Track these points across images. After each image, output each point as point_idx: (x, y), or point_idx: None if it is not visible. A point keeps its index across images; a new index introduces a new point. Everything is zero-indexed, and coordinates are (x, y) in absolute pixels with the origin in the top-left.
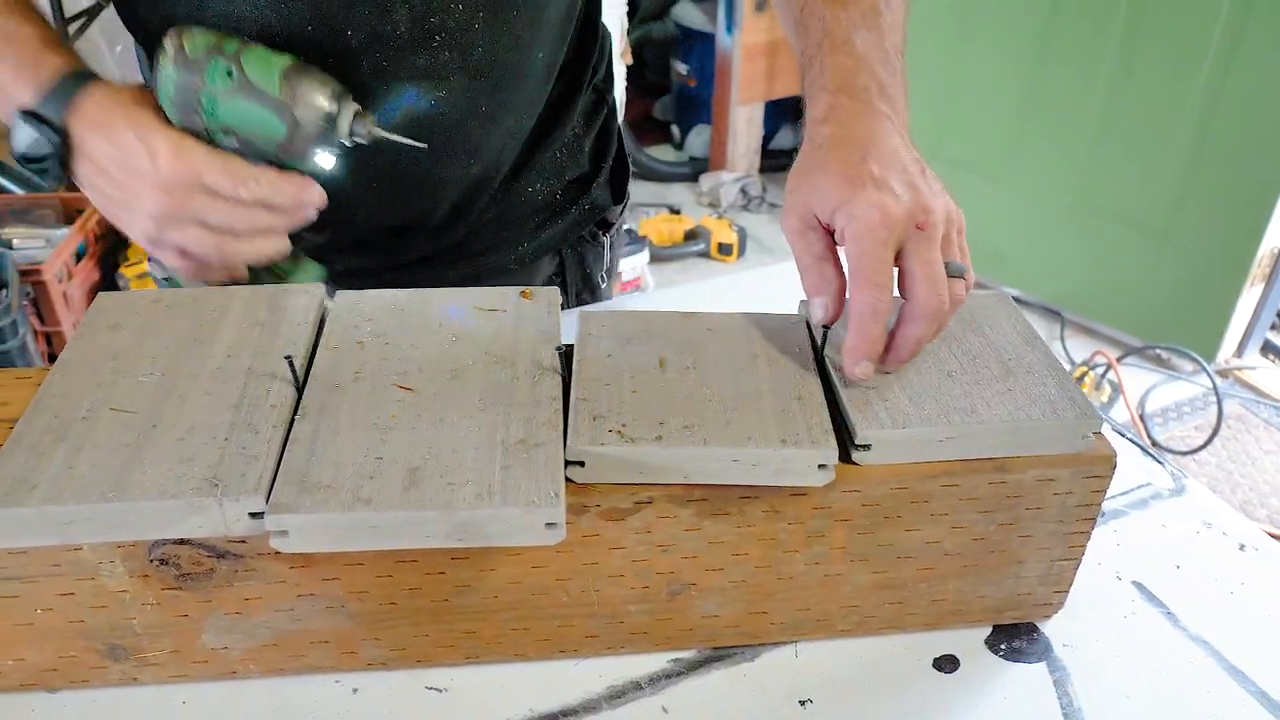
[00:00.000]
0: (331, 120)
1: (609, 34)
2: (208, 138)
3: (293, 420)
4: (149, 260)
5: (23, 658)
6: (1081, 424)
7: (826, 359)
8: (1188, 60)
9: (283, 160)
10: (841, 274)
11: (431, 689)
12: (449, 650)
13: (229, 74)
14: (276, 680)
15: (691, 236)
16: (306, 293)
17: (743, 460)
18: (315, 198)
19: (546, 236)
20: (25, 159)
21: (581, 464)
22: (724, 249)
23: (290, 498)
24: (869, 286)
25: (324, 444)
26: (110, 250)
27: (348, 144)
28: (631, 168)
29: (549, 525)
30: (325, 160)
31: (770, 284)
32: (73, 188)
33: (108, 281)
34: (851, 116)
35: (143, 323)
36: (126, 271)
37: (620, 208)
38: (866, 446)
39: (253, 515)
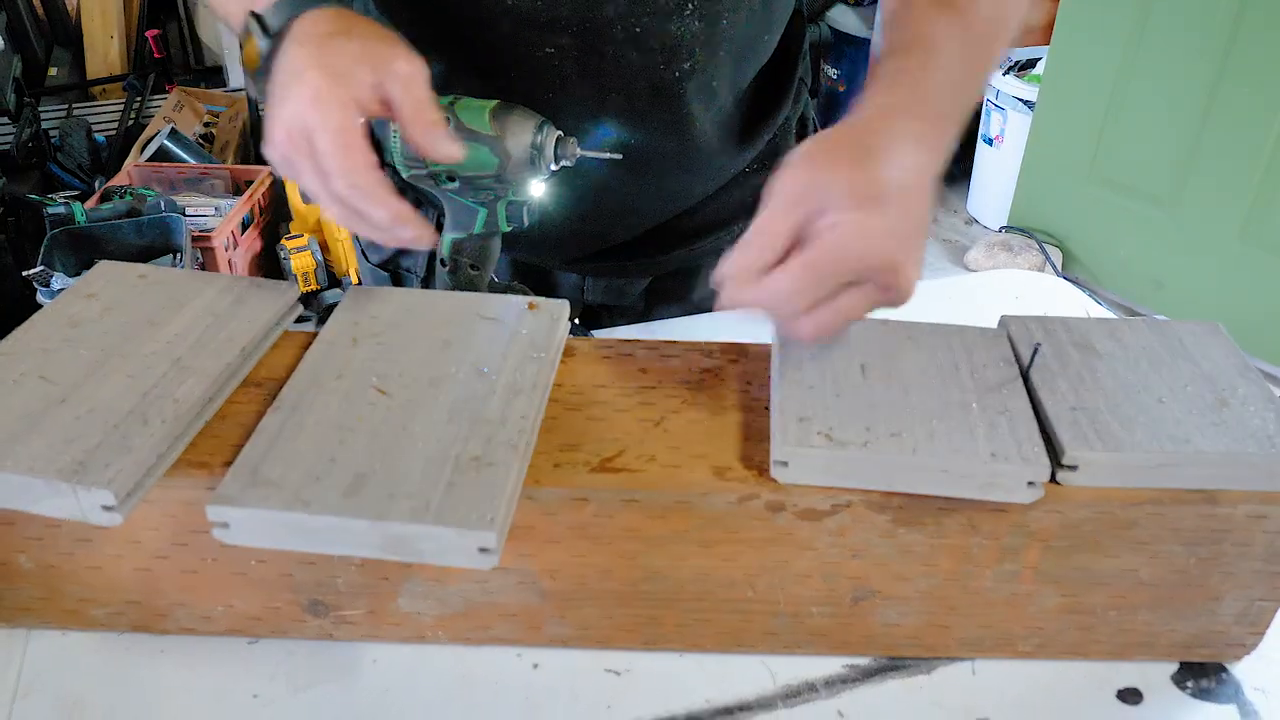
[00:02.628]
0: (538, 148)
1: (809, 26)
2: (432, 182)
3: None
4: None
5: (232, 604)
6: None
7: (1031, 378)
8: None
9: (498, 194)
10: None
11: (610, 671)
12: (630, 634)
13: (446, 121)
14: (462, 648)
15: None
16: (281, 290)
17: (951, 471)
18: (419, 245)
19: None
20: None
21: (786, 464)
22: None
23: (235, 490)
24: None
25: (286, 440)
26: (273, 222)
27: (555, 168)
28: None
29: (482, 550)
30: (537, 188)
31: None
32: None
33: (269, 251)
34: (909, 122)
35: (117, 296)
36: (288, 244)
37: None
38: (1074, 467)
39: (105, 508)
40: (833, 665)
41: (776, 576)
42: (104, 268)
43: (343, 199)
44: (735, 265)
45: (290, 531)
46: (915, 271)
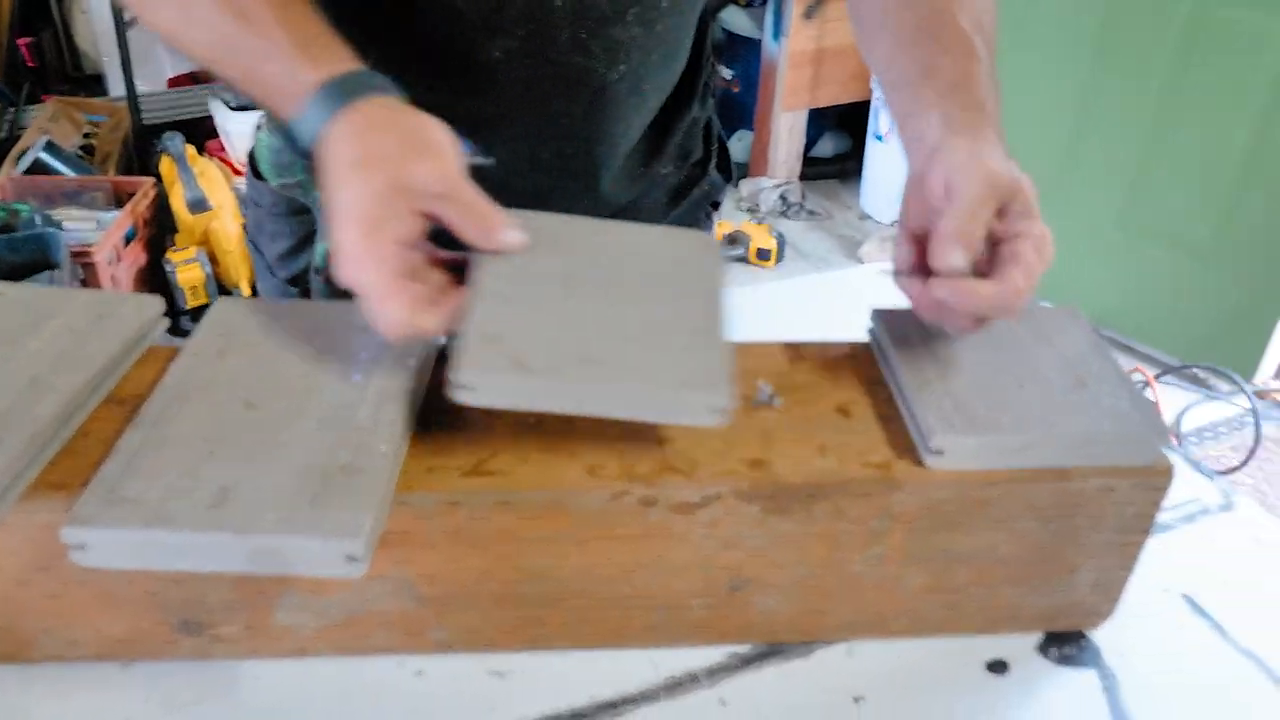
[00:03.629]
0: None
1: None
2: (301, 191)
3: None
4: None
5: (100, 628)
6: (1153, 437)
7: (900, 368)
8: (1239, 82)
9: None
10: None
11: (494, 673)
12: (513, 636)
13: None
14: (343, 660)
15: (730, 241)
16: (145, 305)
17: (637, 398)
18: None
19: (673, 217)
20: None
21: (472, 389)
22: (762, 254)
23: (91, 510)
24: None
25: (146, 456)
26: (158, 235)
27: None
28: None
29: (349, 559)
30: None
31: (809, 293)
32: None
33: (154, 266)
34: (1000, 143)
35: None
36: (174, 257)
37: (727, 187)
38: (941, 452)
39: None
40: (715, 655)
41: (654, 571)
42: None
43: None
44: (960, 254)
45: (152, 550)
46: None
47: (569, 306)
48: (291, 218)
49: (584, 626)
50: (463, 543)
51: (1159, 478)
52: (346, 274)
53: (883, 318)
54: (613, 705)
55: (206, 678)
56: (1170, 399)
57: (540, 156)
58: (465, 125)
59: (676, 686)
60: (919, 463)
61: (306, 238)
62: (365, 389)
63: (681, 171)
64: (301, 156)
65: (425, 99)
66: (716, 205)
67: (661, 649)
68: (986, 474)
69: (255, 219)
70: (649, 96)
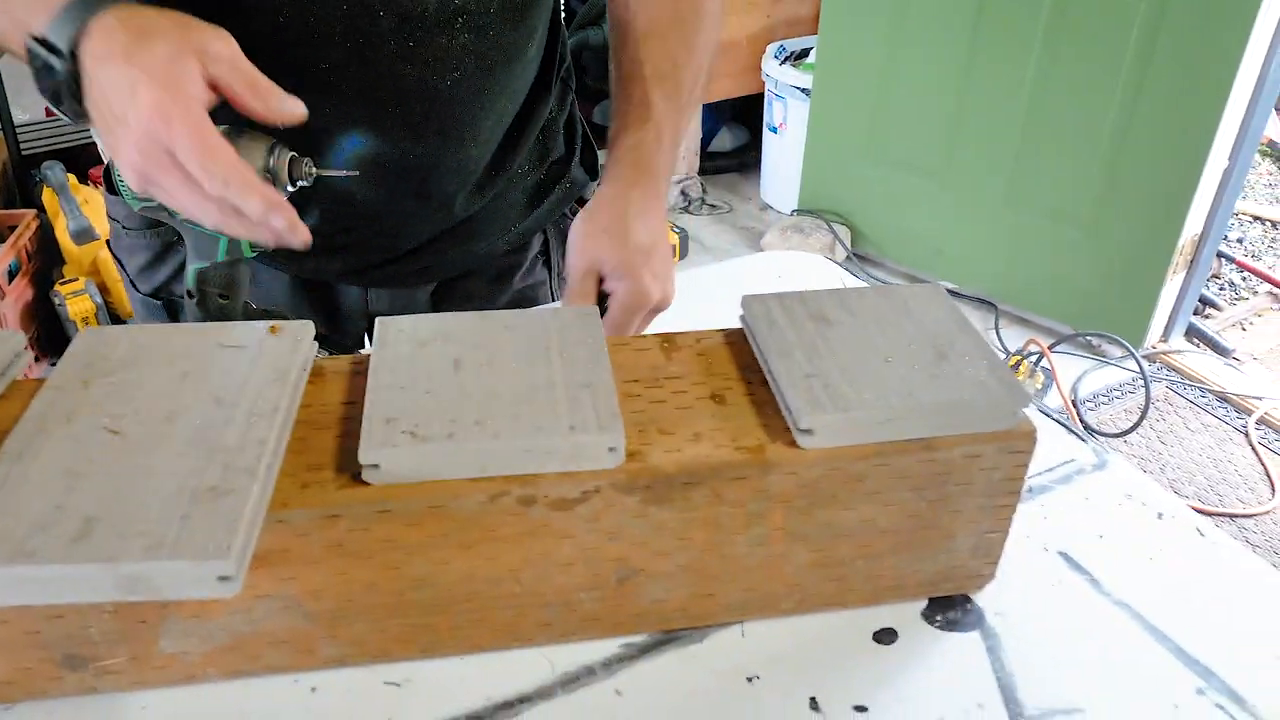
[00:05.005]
0: (273, 171)
1: (565, 30)
2: (165, 213)
3: None
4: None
5: None
6: (1011, 401)
7: (768, 353)
8: (1108, 59)
9: None
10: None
11: (390, 684)
12: (406, 645)
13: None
14: (235, 683)
15: None
16: (6, 339)
17: (535, 449)
18: (292, 236)
19: (535, 217)
20: (53, 99)
21: (376, 466)
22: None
23: None
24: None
25: (9, 492)
26: (44, 268)
27: (291, 190)
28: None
29: (221, 579)
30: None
31: (712, 283)
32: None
33: (42, 299)
34: (647, 199)
35: None
36: (62, 289)
37: (593, 185)
38: (810, 431)
39: None
40: (609, 647)
41: (540, 568)
42: None
43: (218, 199)
44: None
45: (20, 586)
46: (672, 290)
47: (458, 383)
48: (148, 230)
49: (476, 629)
50: (346, 555)
51: (1022, 440)
52: (150, 147)
53: (753, 304)
54: (509, 705)
55: (93, 713)
56: (1066, 367)
57: (384, 164)
58: (304, 136)
59: (572, 681)
60: (792, 443)
61: (164, 250)
62: (234, 409)
63: (540, 171)
64: (52, 88)
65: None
66: (582, 202)
67: (556, 645)
68: (857, 449)
69: (114, 232)
70: (495, 101)
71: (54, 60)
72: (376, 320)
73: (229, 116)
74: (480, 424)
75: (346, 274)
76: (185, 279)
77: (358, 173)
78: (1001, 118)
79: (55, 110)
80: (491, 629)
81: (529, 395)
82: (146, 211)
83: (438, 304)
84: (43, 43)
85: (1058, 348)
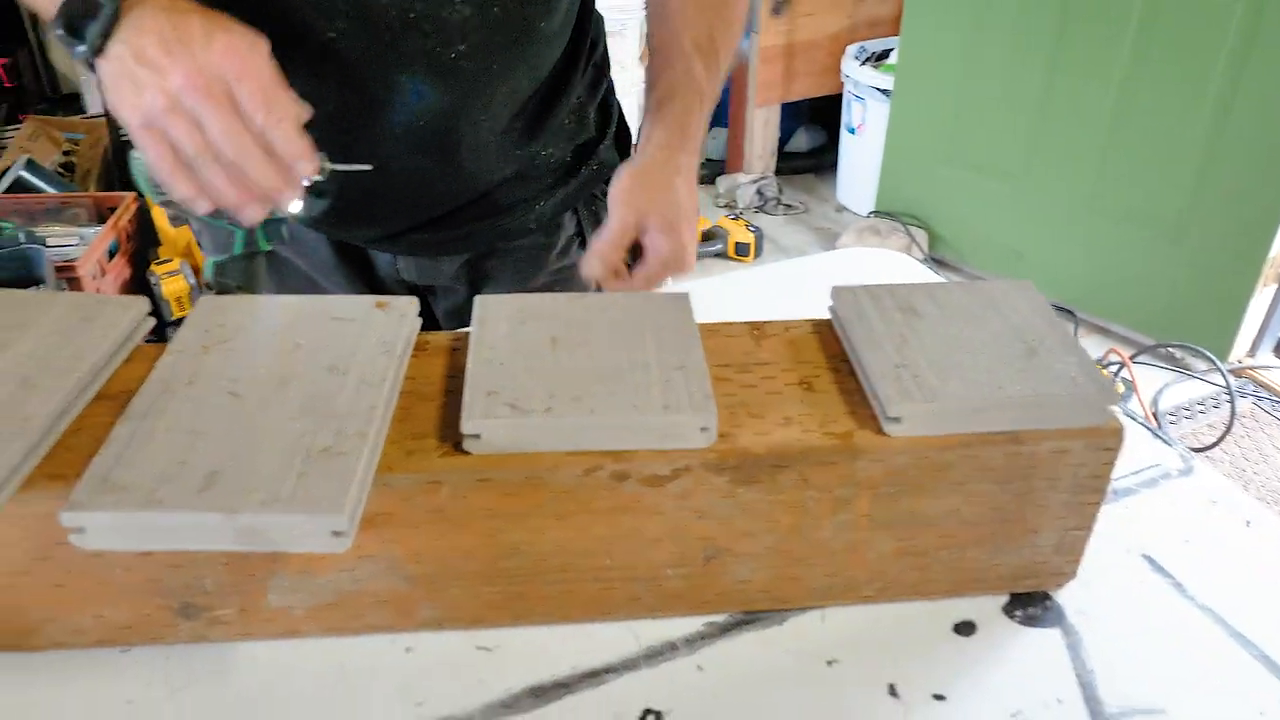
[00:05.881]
0: None
1: (603, 19)
2: (182, 207)
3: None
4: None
5: (102, 614)
6: (1101, 398)
7: (858, 343)
8: (1201, 61)
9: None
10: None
11: (481, 648)
12: (498, 612)
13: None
14: (335, 639)
15: (709, 237)
16: (129, 305)
17: (629, 426)
18: (307, 168)
19: (562, 195)
20: (68, 23)
21: (477, 436)
22: (741, 249)
23: (87, 496)
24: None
25: (137, 446)
26: (141, 249)
27: (305, 183)
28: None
29: (335, 534)
30: (293, 205)
31: (785, 282)
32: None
33: (139, 279)
34: (690, 163)
35: None
36: (158, 269)
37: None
38: (898, 420)
39: None
40: (692, 624)
41: (630, 543)
42: None
43: (262, 137)
44: (599, 269)
45: (146, 532)
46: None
47: (555, 360)
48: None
49: (565, 600)
50: (445, 521)
51: (1110, 438)
52: (219, 63)
53: (843, 295)
54: (595, 675)
55: (203, 660)
56: (1146, 378)
57: (394, 132)
58: (320, 106)
59: (656, 656)
60: (880, 431)
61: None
62: (345, 378)
63: (566, 152)
64: (82, 19)
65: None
66: None
67: (640, 620)
68: (944, 439)
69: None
70: (507, 77)
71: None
72: (476, 298)
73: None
74: (578, 400)
75: (377, 240)
76: (204, 272)
77: (371, 167)
78: (1086, 120)
79: (65, 42)
80: (580, 600)
81: (624, 374)
82: (165, 205)
83: (471, 279)
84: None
85: (1139, 358)
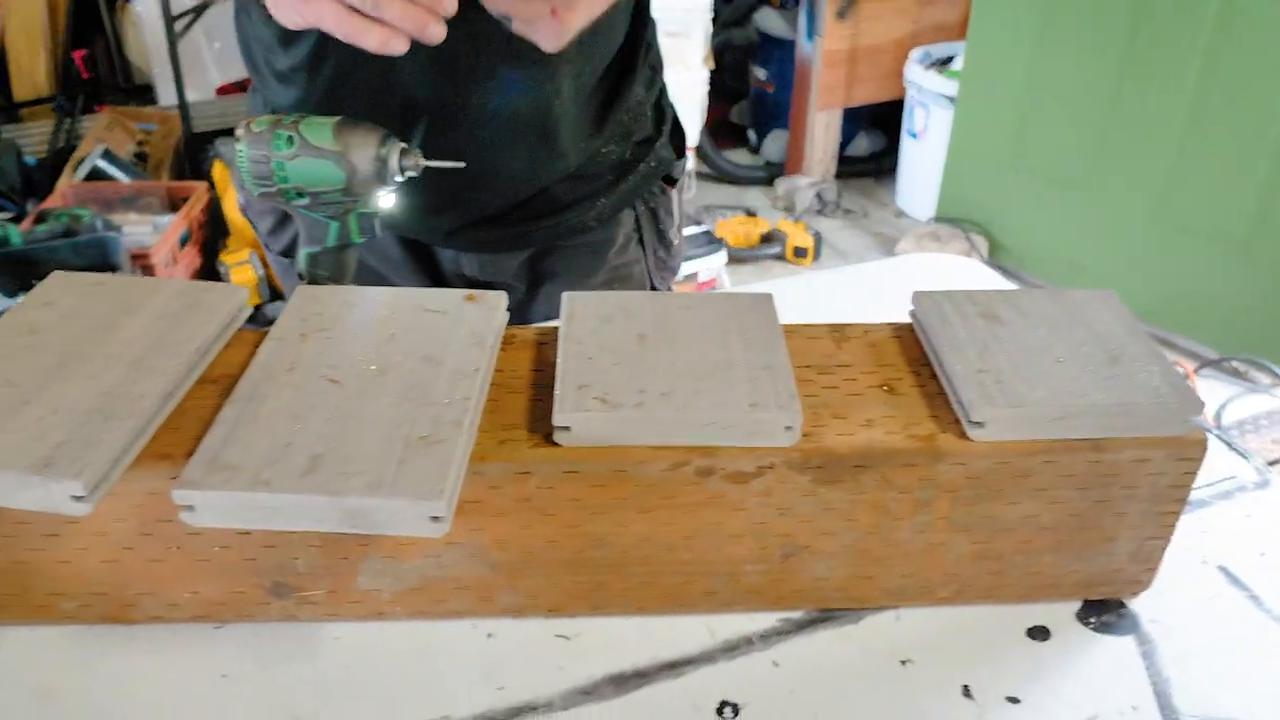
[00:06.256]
0: (383, 160)
1: (655, 23)
2: (282, 199)
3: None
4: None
5: (198, 591)
6: (1184, 409)
7: (940, 348)
8: (1274, 74)
9: (347, 207)
10: None
11: (560, 636)
12: (578, 601)
13: (290, 140)
14: (418, 623)
15: (768, 239)
16: (231, 293)
17: (718, 423)
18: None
19: (621, 191)
20: None
21: (567, 429)
22: (800, 252)
23: (198, 475)
24: None
25: (243, 429)
26: (211, 238)
27: (400, 179)
28: (691, 143)
29: (433, 519)
30: (386, 200)
31: (844, 285)
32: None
33: (208, 268)
34: None
35: (73, 303)
36: (226, 259)
37: (681, 163)
38: (981, 424)
39: (75, 498)
40: (768, 620)
41: (711, 538)
42: (59, 277)
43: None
44: None
45: (253, 511)
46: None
47: (643, 357)
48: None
49: (645, 592)
50: (532, 510)
51: (1192, 449)
52: None
53: (924, 300)
54: (673, 666)
55: (292, 639)
56: (1211, 392)
57: (469, 116)
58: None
59: (732, 649)
60: (962, 435)
61: (285, 215)
62: (439, 367)
63: (624, 150)
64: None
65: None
66: (671, 181)
67: (717, 615)
68: (1026, 444)
69: (244, 199)
70: (572, 65)
71: None
72: (564, 295)
73: (347, 110)
74: (666, 396)
75: (444, 235)
76: (297, 261)
77: (464, 165)
78: (1155, 131)
79: None
80: (659, 593)
81: (710, 372)
82: (265, 198)
83: (532, 276)
84: None
85: (1202, 371)
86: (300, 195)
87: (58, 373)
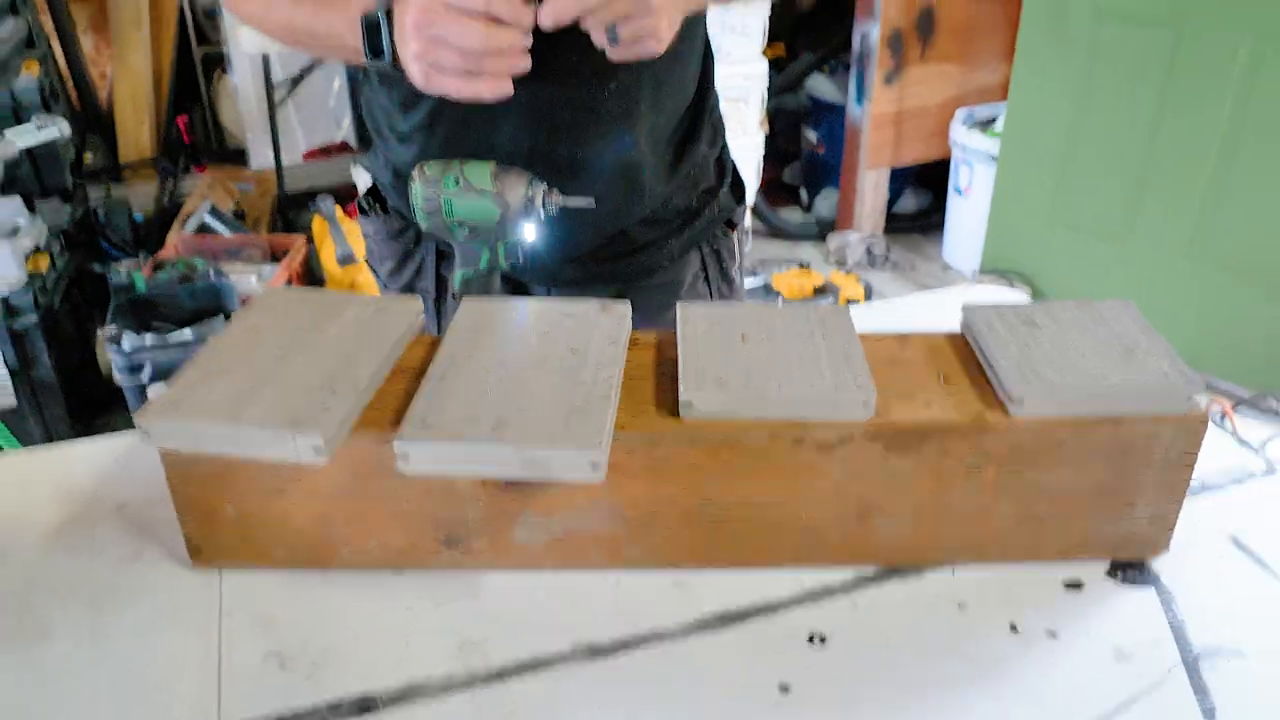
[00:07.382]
0: (530, 199)
1: (718, 92)
2: (447, 231)
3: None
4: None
5: (386, 541)
6: (1187, 388)
7: (987, 347)
8: None
9: (499, 236)
10: None
11: (676, 584)
12: (690, 554)
13: (456, 180)
14: (561, 573)
15: (821, 291)
16: (407, 305)
17: (807, 400)
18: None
19: (688, 235)
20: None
21: (690, 404)
22: (852, 303)
23: (411, 430)
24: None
25: (439, 400)
26: (309, 285)
27: (544, 216)
28: (748, 201)
29: (594, 466)
30: (530, 232)
31: (905, 308)
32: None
33: None
34: None
35: (285, 310)
36: None
37: (741, 209)
38: (1020, 401)
39: (315, 450)
40: (845, 574)
41: (801, 500)
42: (271, 292)
43: (486, 12)
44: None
45: (453, 460)
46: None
47: (747, 350)
48: (392, 241)
49: (745, 546)
50: (657, 474)
51: (1195, 422)
52: (421, 36)
53: (973, 311)
54: (771, 608)
55: (458, 583)
56: (1251, 430)
57: (565, 161)
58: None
59: (819, 595)
60: (1005, 412)
61: (404, 256)
62: (584, 358)
63: (692, 198)
64: (372, 35)
65: (490, 136)
66: (732, 225)
67: (802, 569)
68: (1057, 420)
69: (368, 247)
70: (644, 117)
71: (379, 16)
72: (677, 304)
73: (497, 155)
74: (768, 378)
75: (544, 274)
76: (453, 282)
77: (593, 202)
78: (1186, 184)
79: (371, 58)
80: (756, 547)
81: (801, 361)
82: (433, 228)
83: None
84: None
85: (1240, 409)
86: (461, 226)
87: (284, 361)
